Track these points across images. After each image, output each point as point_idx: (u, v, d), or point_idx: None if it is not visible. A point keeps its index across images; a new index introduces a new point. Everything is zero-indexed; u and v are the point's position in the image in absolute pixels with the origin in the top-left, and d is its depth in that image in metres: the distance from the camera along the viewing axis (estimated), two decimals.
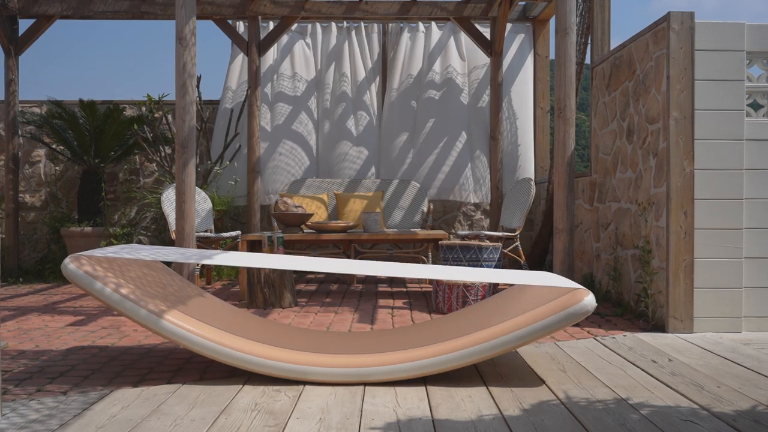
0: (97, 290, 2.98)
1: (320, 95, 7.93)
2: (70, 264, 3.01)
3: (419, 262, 6.82)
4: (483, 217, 8.03)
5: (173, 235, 5.72)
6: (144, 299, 3.03)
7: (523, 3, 7.81)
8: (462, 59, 7.95)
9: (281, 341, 3.20)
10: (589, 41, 5.89)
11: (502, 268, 5.88)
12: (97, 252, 3.16)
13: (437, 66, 7.91)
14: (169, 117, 7.63)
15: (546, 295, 3.07)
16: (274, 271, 5.04)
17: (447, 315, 3.78)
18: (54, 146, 7.68)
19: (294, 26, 7.80)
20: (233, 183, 7.75)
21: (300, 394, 2.80)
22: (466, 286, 4.72)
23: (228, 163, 7.59)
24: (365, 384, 2.95)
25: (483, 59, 7.87)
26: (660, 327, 4.19)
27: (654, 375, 3.10)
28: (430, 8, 7.29)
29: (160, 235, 7.82)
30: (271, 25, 7.77)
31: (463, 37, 7.89)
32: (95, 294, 2.99)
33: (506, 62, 7.90)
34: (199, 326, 3.02)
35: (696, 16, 4.12)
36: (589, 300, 2.90)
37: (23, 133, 7.63)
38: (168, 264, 5.57)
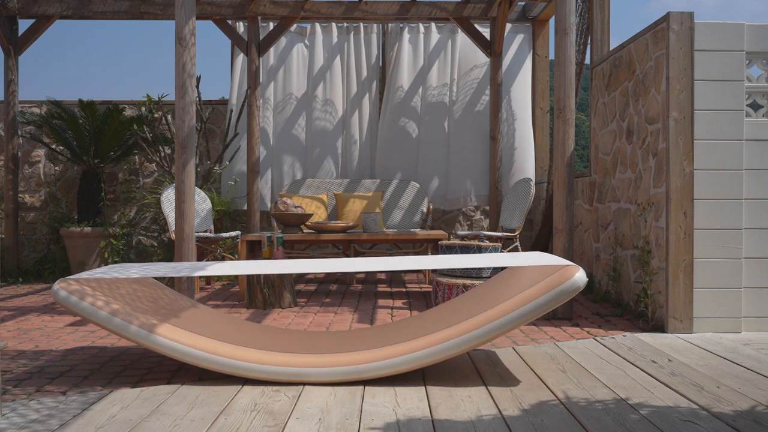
0: (88, 312, 2.97)
1: (320, 95, 7.92)
2: (59, 290, 3.01)
3: None
4: (482, 217, 8.03)
5: (173, 236, 5.71)
6: (134, 314, 3.03)
7: (523, 3, 7.81)
8: (461, 59, 7.95)
9: (276, 345, 3.19)
10: (589, 41, 5.89)
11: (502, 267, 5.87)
12: (85, 274, 3.15)
13: (436, 66, 7.91)
14: (169, 117, 7.63)
15: (538, 275, 3.07)
16: None
17: (442, 305, 3.75)
18: (53, 146, 7.68)
19: (293, 27, 7.80)
20: (233, 183, 7.75)
21: (299, 395, 2.80)
22: (466, 286, 4.72)
23: (228, 163, 7.59)
24: (362, 381, 2.95)
25: (482, 59, 7.87)
26: (660, 327, 4.20)
27: (654, 375, 3.10)
28: (430, 8, 7.29)
29: (160, 236, 7.82)
30: (271, 25, 7.77)
31: (463, 37, 7.89)
32: (86, 316, 2.99)
33: (506, 62, 7.90)
34: (192, 337, 3.01)
35: (695, 17, 4.12)
36: (580, 276, 2.90)
37: (23, 134, 7.63)
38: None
